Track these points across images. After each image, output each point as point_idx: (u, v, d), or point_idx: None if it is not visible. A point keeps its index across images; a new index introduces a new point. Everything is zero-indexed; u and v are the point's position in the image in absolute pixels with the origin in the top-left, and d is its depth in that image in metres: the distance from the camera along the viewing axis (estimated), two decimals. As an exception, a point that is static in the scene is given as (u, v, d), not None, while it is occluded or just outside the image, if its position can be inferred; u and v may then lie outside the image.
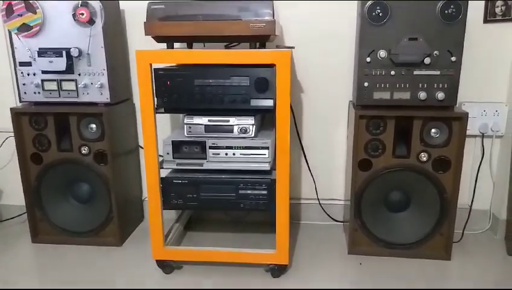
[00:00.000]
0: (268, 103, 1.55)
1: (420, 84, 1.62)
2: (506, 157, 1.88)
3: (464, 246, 1.87)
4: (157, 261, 1.71)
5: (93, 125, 1.80)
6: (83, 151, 1.82)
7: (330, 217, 2.12)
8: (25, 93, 1.80)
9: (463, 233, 1.93)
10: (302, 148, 2.06)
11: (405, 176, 1.72)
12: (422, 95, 1.62)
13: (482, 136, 1.92)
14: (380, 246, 1.79)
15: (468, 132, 1.67)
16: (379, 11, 1.57)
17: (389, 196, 1.78)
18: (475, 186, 1.96)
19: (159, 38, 1.59)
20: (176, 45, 1.63)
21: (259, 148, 1.59)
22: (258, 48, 1.58)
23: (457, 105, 1.66)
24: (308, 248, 1.90)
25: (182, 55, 1.54)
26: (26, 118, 1.82)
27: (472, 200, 1.97)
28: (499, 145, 1.95)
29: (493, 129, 1.89)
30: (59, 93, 1.79)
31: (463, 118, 1.62)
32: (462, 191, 1.80)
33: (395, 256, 1.78)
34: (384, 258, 1.78)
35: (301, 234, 2.04)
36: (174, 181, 1.64)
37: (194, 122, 1.62)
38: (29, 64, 1.77)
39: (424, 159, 1.68)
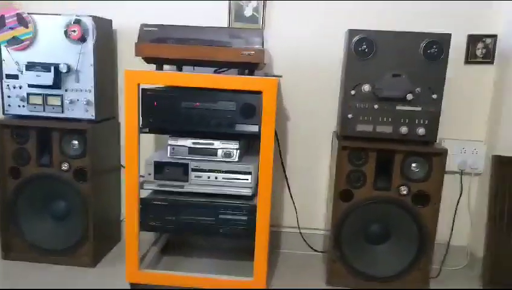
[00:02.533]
0: (254, 128, 1.57)
1: (402, 119, 1.66)
2: (483, 195, 1.91)
3: (441, 282, 1.87)
4: (131, 284, 1.66)
5: (76, 142, 1.79)
6: (63, 168, 1.79)
7: (310, 246, 2.10)
8: (9, 105, 1.79)
9: (440, 269, 1.93)
10: (285, 176, 2.06)
11: (385, 209, 1.73)
12: (404, 129, 1.66)
13: (461, 173, 1.96)
14: (358, 279, 1.77)
15: (447, 168, 1.70)
16: (365, 46, 1.63)
17: (369, 228, 1.78)
18: (453, 223, 1.98)
19: (148, 60, 1.61)
20: (165, 66, 1.64)
21: (242, 173, 1.60)
22: (247, 75, 1.60)
23: (437, 141, 1.70)
24: (287, 277, 1.87)
25: (171, 77, 1.56)
26: (8, 130, 1.79)
27: (450, 236, 1.99)
28: (477, 183, 1.99)
29: (472, 167, 1.94)
30: (44, 108, 1.77)
31: (442, 154, 1.65)
32: (441, 226, 1.81)
33: (373, 289, 1.77)
34: (362, 291, 1.77)
35: (280, 262, 2.02)
36: (154, 202, 1.62)
37: (178, 144, 1.62)
38: (16, 77, 1.76)
39: (404, 192, 1.70)
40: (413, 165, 1.69)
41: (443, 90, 1.63)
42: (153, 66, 1.64)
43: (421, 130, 1.65)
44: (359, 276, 1.77)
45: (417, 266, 1.74)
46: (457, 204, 1.97)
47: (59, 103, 1.77)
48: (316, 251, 2.10)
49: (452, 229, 1.98)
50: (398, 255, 1.76)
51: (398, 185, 1.70)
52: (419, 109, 1.65)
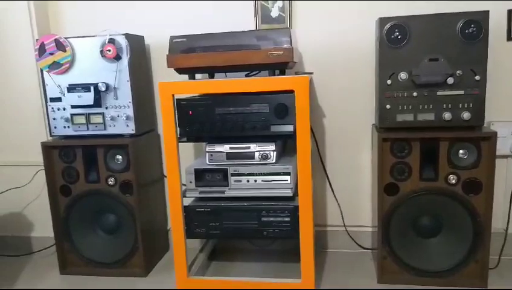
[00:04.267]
0: (289, 128, 1.55)
1: (444, 105, 1.59)
2: (542, 177, 1.79)
3: (500, 273, 1.77)
4: (182, 291, 1.70)
5: (119, 157, 1.85)
6: (110, 182, 1.86)
7: (358, 244, 2.05)
8: (55, 127, 1.88)
9: (499, 259, 1.82)
10: (326, 173, 2.03)
11: (434, 200, 1.66)
12: (447, 115, 1.58)
13: (514, 156, 1.84)
14: (411, 275, 1.71)
15: (498, 152, 1.61)
16: (398, 33, 1.57)
17: (418, 221, 1.71)
18: (510, 209, 1.87)
19: (180, 70, 1.64)
20: (198, 75, 1.67)
21: (280, 174, 1.59)
22: (278, 75, 1.60)
23: (485, 125, 1.61)
24: (336, 278, 1.83)
25: (203, 85, 1.57)
26: (56, 151, 1.89)
27: (507, 224, 1.87)
28: (533, 166, 1.86)
29: (525, 149, 1.82)
30: (87, 127, 1.85)
31: (492, 137, 1.56)
32: (496, 214, 1.71)
33: (428, 285, 1.70)
34: (417, 287, 1.69)
35: (328, 262, 1.98)
36: (197, 210, 1.64)
37: (216, 150, 1.64)
38: (59, 99, 1.85)
39: (453, 181, 1.62)
40: (461, 152, 1.61)
41: (486, 70, 1.55)
42: (187, 76, 1.67)
43: (466, 115, 1.57)
44: (412, 272, 1.71)
45: (473, 258, 1.65)
46: (513, 189, 1.86)
47: (101, 121, 1.84)
48: (364, 248, 2.05)
49: (509, 216, 1.87)
50: (452, 248, 1.68)
51: (446, 174, 1.63)
52: (461, 92, 1.57)
